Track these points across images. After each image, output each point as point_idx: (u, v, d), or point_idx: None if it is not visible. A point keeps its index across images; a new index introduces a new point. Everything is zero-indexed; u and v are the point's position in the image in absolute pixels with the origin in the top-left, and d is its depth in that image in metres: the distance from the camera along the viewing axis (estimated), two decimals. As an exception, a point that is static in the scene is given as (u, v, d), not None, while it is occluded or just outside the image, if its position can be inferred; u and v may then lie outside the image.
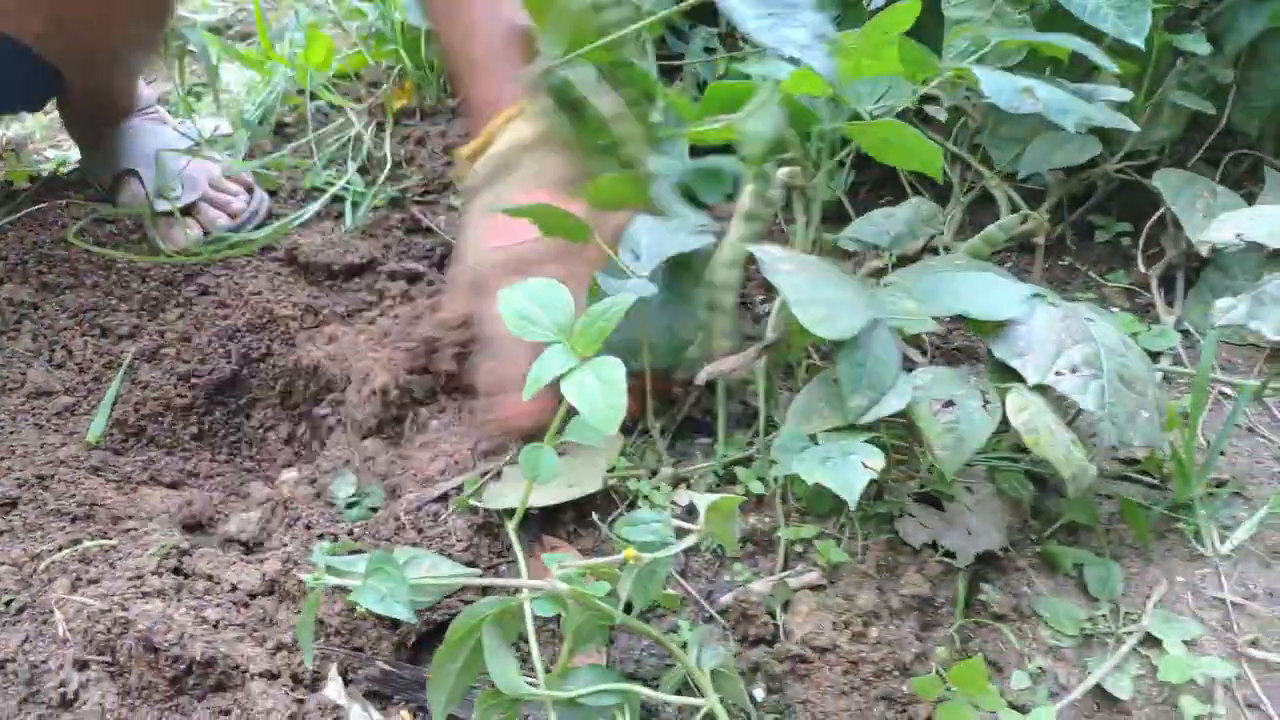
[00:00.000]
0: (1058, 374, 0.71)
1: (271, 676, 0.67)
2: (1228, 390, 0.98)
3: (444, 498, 0.80)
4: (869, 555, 0.73)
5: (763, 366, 0.83)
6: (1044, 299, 0.77)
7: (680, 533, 0.59)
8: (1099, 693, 0.72)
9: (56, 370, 1.01)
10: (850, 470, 0.65)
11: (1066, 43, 0.91)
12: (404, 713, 0.66)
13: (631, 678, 0.67)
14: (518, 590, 0.60)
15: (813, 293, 0.71)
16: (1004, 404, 0.70)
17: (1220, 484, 0.88)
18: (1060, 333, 0.73)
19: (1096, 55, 0.90)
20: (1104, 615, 0.78)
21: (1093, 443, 0.78)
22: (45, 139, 1.71)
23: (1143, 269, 1.12)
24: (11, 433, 0.92)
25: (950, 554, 0.77)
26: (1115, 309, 1.11)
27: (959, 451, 0.68)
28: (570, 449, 0.79)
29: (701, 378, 0.76)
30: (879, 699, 0.67)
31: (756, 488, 0.78)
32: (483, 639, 0.59)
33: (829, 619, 0.68)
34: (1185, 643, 0.75)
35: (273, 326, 1.04)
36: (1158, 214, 1.13)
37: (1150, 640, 0.76)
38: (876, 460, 0.66)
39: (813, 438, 0.70)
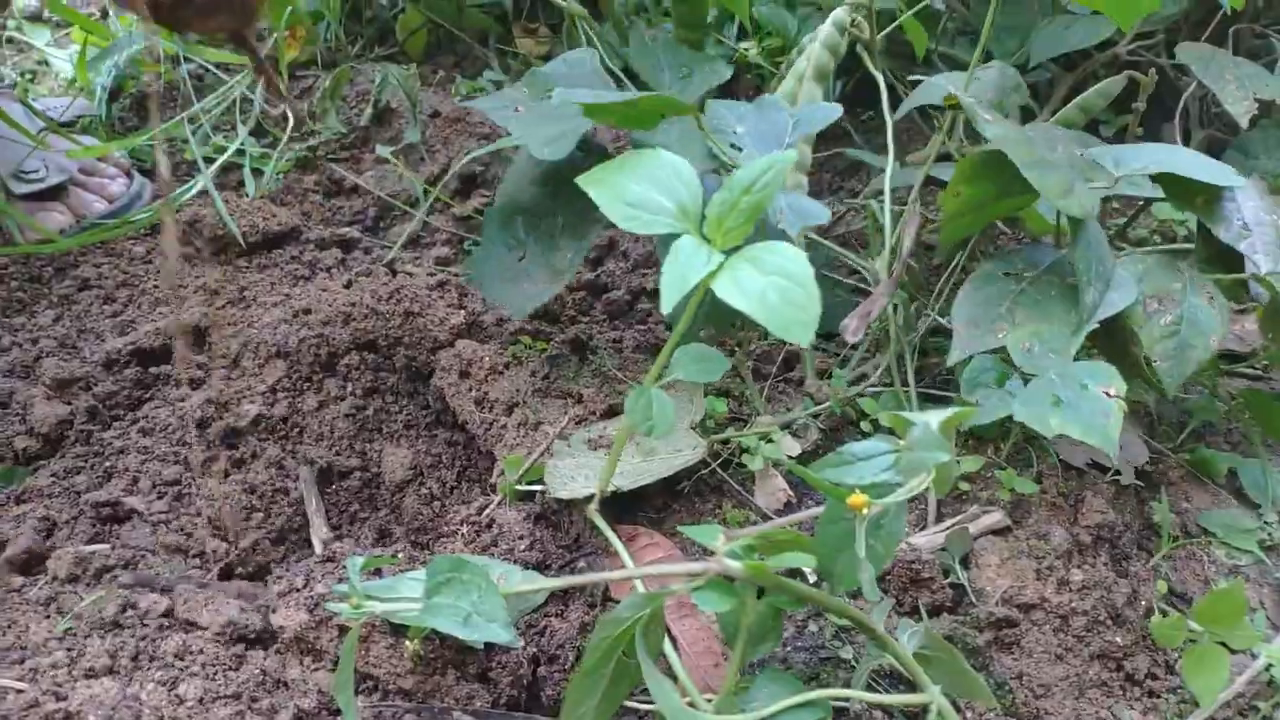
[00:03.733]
0: None
1: (294, 758, 0.47)
2: None
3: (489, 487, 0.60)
4: (1047, 484, 0.57)
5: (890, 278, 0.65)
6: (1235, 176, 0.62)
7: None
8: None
9: (-104, 401, 0.76)
10: (1097, 407, 0.49)
11: None
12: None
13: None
14: (662, 583, 0.42)
15: (1040, 153, 0.56)
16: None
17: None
18: (1272, 211, 0.59)
19: None
20: (1268, 522, 0.66)
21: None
22: None
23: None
24: None
25: (1114, 471, 0.63)
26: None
27: (1183, 363, 0.53)
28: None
29: (852, 330, 0.57)
30: (1094, 658, 0.52)
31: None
32: (636, 656, 0.40)
33: (1030, 566, 0.53)
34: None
35: (180, 314, 0.82)
36: (1186, 94, 1.03)
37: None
38: (1119, 385, 0.50)
39: (1004, 360, 0.54)
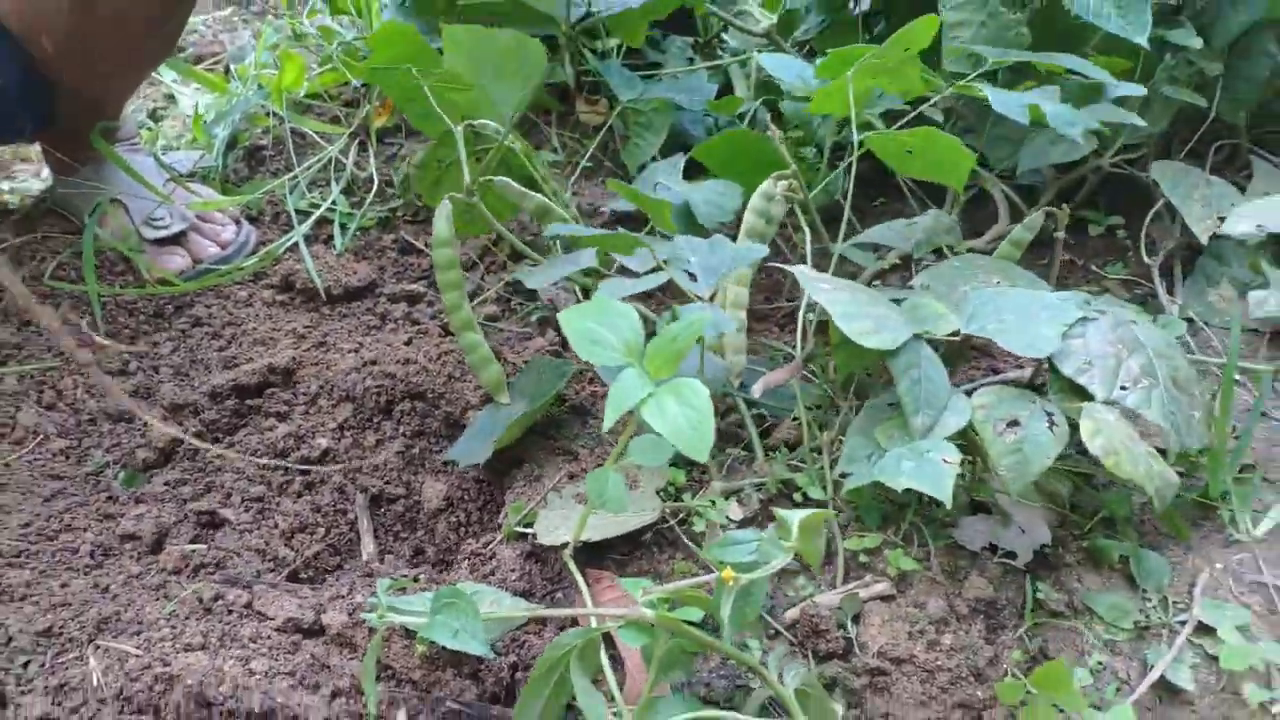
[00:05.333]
0: (1122, 388, 0.71)
1: (331, 725, 0.64)
2: (1237, 377, 0.99)
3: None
4: (934, 562, 0.72)
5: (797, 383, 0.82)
6: (1089, 309, 0.76)
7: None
8: (1161, 684, 0.72)
9: (48, 412, 0.96)
10: (934, 469, 0.64)
11: (1061, 61, 0.93)
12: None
13: (705, 702, 0.65)
14: (600, 620, 0.58)
15: (856, 308, 0.71)
16: (1072, 424, 0.70)
17: (1246, 469, 0.89)
18: (1115, 344, 0.73)
19: (1092, 70, 0.92)
20: (1154, 606, 0.78)
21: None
22: (-3, 171, 1.64)
23: (1146, 259, 1.13)
24: (7, 479, 0.87)
25: (1007, 554, 0.76)
26: (1118, 301, 1.12)
27: (1024, 472, 0.67)
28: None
29: (758, 390, 0.74)
30: (956, 706, 0.66)
31: (816, 493, 0.77)
32: (570, 674, 0.56)
33: (904, 629, 0.67)
34: (1239, 629, 0.75)
35: (273, 354, 1.00)
36: (1155, 207, 1.15)
37: (1202, 629, 0.76)
38: (954, 455, 0.65)
39: (878, 445, 0.69)
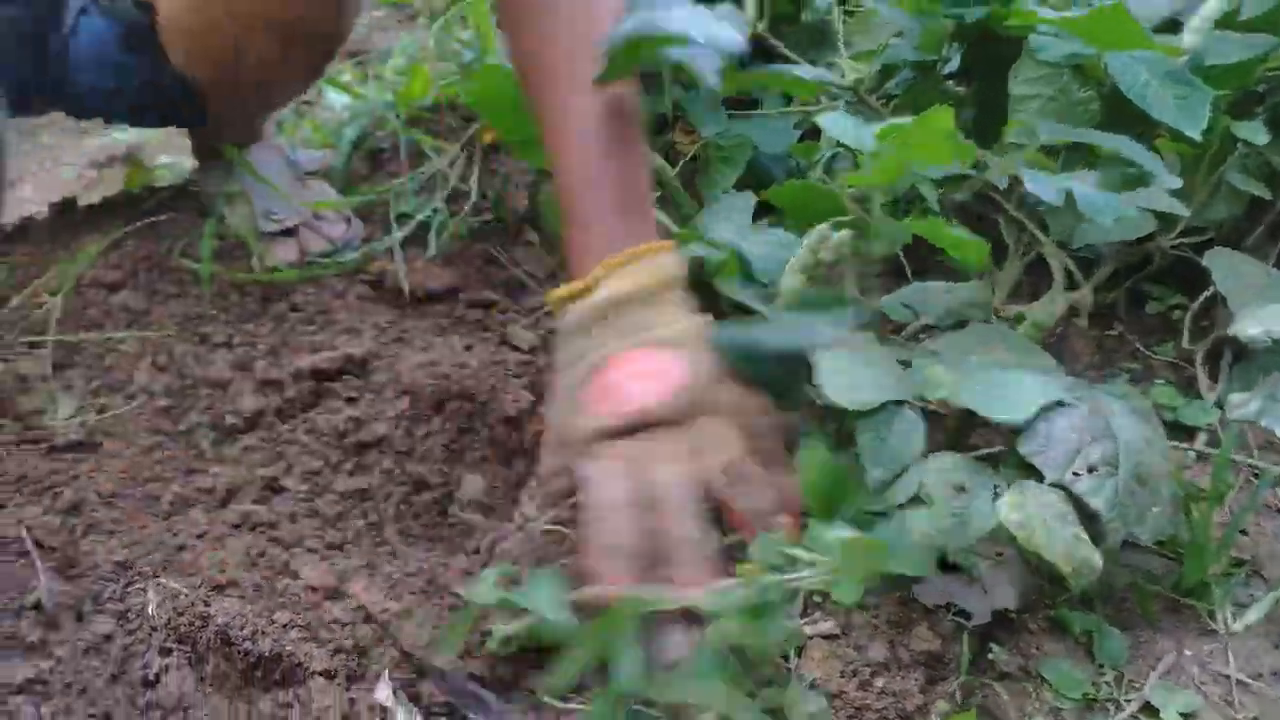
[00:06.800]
0: (1074, 474, 0.76)
1: (329, 676, 0.75)
2: (1260, 471, 1.00)
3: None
4: (883, 610, 0.78)
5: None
6: (1068, 397, 0.80)
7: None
8: (1094, 758, 0.76)
9: (158, 373, 1.10)
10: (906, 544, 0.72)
11: (1115, 143, 0.96)
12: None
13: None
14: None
15: (844, 364, 0.77)
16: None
17: (1239, 563, 0.91)
18: (1081, 430, 0.77)
19: (1144, 158, 0.94)
20: (1108, 682, 0.82)
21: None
22: (160, 146, 1.84)
23: (1188, 345, 1.14)
24: (116, 428, 1.02)
25: (966, 614, 0.81)
26: (1160, 381, 1.13)
27: (961, 536, 0.73)
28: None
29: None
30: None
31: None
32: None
33: (839, 667, 0.74)
34: (1182, 714, 0.78)
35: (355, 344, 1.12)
36: (1210, 290, 1.15)
37: (1149, 709, 0.79)
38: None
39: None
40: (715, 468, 0.81)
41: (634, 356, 0.85)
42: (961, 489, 0.74)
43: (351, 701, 0.73)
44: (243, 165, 1.25)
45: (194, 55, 1.12)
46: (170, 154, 1.72)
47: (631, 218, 0.91)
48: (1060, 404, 0.79)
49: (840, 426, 0.86)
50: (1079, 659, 0.83)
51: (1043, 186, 0.95)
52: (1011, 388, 0.79)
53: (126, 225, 1.28)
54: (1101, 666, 0.83)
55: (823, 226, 1.00)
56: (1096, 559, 0.75)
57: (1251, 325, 0.88)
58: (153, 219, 1.29)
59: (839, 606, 0.77)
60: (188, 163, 1.66)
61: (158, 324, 1.16)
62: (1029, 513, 0.73)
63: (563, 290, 0.90)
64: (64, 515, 0.88)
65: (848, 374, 0.78)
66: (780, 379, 0.88)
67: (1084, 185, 0.96)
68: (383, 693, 0.73)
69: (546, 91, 0.95)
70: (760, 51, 1.36)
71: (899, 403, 0.80)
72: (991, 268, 1.02)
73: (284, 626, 0.77)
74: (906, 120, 0.94)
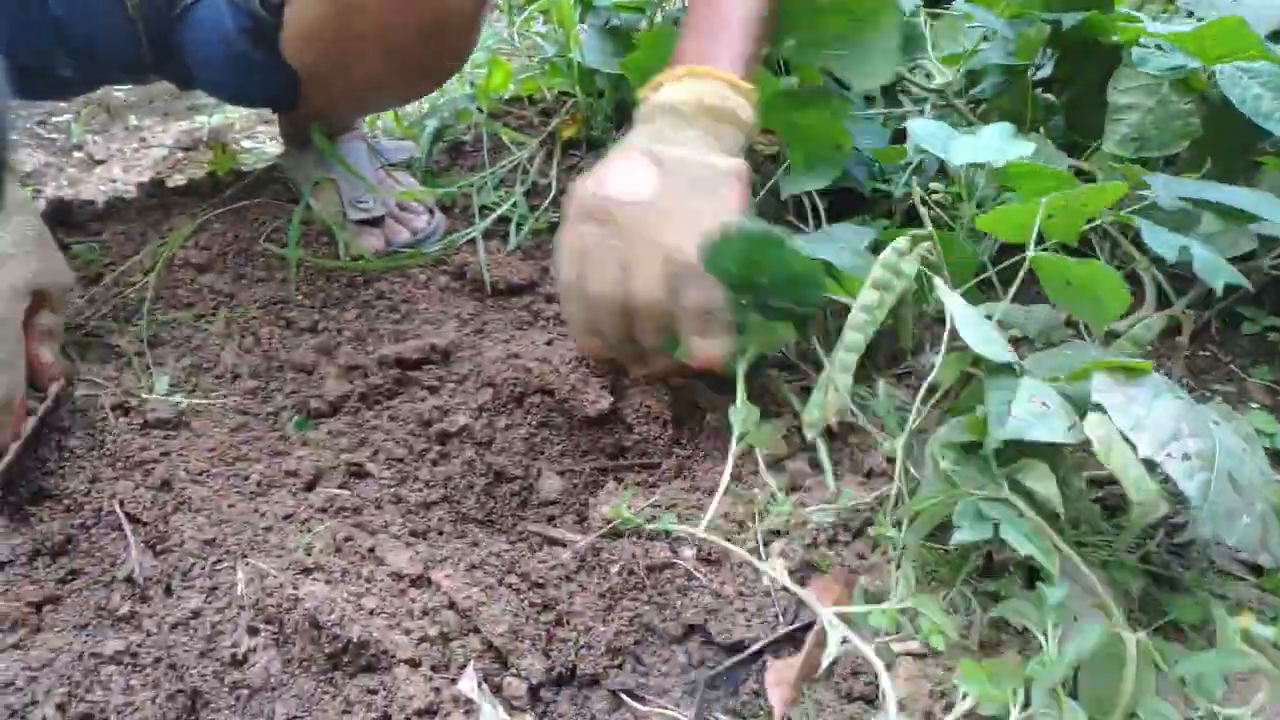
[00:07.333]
0: (1168, 455, 0.73)
1: (414, 665, 0.75)
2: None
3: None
4: (972, 632, 0.76)
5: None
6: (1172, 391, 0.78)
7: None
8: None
9: (245, 355, 1.12)
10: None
11: (1226, 197, 0.94)
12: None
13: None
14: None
15: (985, 330, 0.78)
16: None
17: (1337, 601, 0.88)
18: (1179, 421, 0.74)
19: (1261, 206, 0.93)
20: (1200, 716, 0.79)
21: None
22: (243, 130, 1.87)
23: (1286, 367, 1.11)
24: (204, 408, 1.04)
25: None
26: (1255, 405, 1.10)
27: (1024, 431, 0.74)
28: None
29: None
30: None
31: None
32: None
33: (926, 687, 0.72)
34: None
35: (438, 334, 1.13)
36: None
37: (1246, 745, 0.77)
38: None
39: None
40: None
41: (632, 156, 0.95)
42: (1045, 404, 0.74)
43: (436, 690, 0.73)
44: (331, 154, 1.26)
45: (312, 58, 1.14)
46: (254, 139, 1.75)
47: (717, 46, 0.99)
48: (1161, 393, 0.77)
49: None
50: (1170, 691, 0.81)
51: (1161, 243, 0.93)
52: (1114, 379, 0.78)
53: (214, 209, 1.30)
54: (1190, 700, 0.81)
55: (902, 239, 0.99)
56: (1164, 503, 0.73)
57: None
58: (240, 203, 1.31)
59: (933, 632, 0.76)
60: (271, 148, 1.69)
61: (244, 306, 1.18)
62: (1112, 433, 0.72)
63: (645, 87, 1.00)
64: (156, 491, 0.90)
65: (983, 332, 0.79)
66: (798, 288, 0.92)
67: (1199, 245, 0.93)
68: (467, 684, 0.73)
69: None
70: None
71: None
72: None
73: (370, 613, 0.78)
74: (1059, 169, 0.93)
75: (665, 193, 0.91)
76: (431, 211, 1.33)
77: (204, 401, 1.05)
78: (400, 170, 1.39)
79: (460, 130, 1.56)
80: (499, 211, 1.32)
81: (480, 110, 1.51)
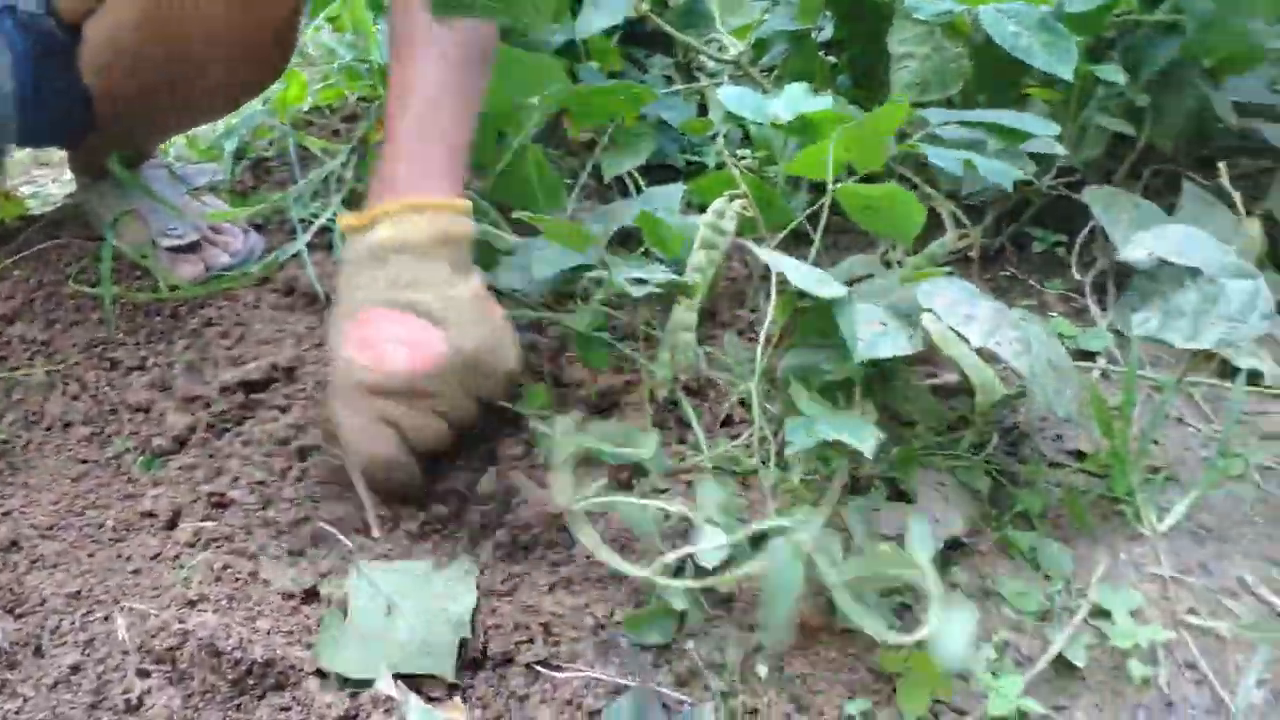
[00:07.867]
0: (997, 343, 0.81)
1: (323, 675, 0.74)
2: (1159, 386, 1.09)
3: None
4: (851, 543, 0.82)
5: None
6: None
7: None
8: (1059, 661, 0.82)
9: (73, 402, 1.06)
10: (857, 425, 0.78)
11: (991, 118, 1.03)
12: (457, 699, 0.73)
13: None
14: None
15: (807, 271, 0.83)
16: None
17: (1155, 470, 0.98)
18: (999, 316, 0.83)
19: (1015, 122, 1.03)
20: (1058, 591, 0.88)
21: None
22: (19, 175, 1.74)
23: (1077, 276, 1.23)
24: (38, 462, 0.97)
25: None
26: (1054, 314, 1.22)
27: (874, 350, 0.82)
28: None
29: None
30: (869, 671, 0.77)
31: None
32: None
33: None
34: (1130, 613, 0.84)
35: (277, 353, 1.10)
36: (1089, 226, 1.24)
37: (1099, 612, 0.85)
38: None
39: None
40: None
41: (391, 316, 0.88)
42: (884, 324, 0.81)
43: (353, 695, 0.72)
44: (133, 183, 1.20)
45: (119, 74, 1.07)
46: (33, 183, 1.63)
47: (431, 168, 0.93)
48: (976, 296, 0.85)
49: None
50: (1029, 575, 0.89)
51: (947, 160, 1.01)
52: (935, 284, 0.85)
53: (9, 256, 1.21)
54: (1049, 578, 0.89)
55: (720, 200, 1.04)
56: (1000, 385, 0.81)
57: (1136, 250, 0.96)
58: (37, 246, 1.23)
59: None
60: (55, 189, 1.59)
61: (63, 353, 1.11)
62: (945, 330, 0.80)
63: (350, 218, 0.93)
64: (4, 553, 0.84)
65: (810, 274, 0.85)
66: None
67: (981, 158, 1.02)
68: (385, 684, 0.73)
69: (404, 49, 0.96)
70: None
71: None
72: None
73: (268, 633, 0.76)
74: (854, 116, 0.99)
75: (454, 342, 0.88)
76: (247, 231, 1.29)
77: (37, 455, 0.98)
78: (206, 193, 1.34)
79: (261, 146, 1.51)
80: (320, 221, 1.29)
81: (281, 124, 1.47)
